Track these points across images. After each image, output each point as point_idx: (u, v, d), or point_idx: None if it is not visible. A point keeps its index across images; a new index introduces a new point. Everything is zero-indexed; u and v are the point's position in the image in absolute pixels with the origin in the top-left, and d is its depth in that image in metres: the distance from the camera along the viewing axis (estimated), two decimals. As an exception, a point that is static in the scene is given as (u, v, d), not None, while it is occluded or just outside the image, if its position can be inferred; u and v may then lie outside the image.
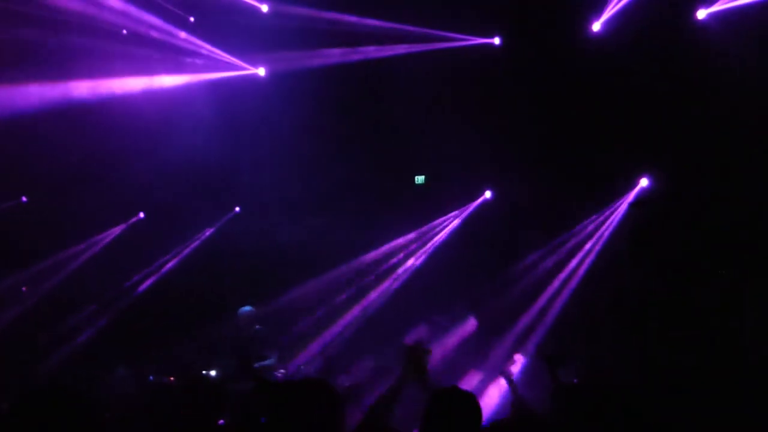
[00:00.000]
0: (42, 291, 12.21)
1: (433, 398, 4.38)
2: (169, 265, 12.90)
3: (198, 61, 11.76)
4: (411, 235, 12.45)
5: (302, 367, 10.46)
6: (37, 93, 10.63)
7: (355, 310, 12.08)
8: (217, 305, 11.26)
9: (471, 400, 4.38)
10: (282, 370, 10.14)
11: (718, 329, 9.72)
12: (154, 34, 11.31)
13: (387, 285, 12.21)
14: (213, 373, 9.64)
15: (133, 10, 10.93)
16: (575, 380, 8.50)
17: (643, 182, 11.24)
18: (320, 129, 11.85)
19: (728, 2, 9.77)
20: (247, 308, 10.02)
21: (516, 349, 10.30)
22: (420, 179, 12.63)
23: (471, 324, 10.99)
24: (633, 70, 10.50)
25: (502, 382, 8.88)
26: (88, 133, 11.26)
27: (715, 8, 9.88)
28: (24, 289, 12.27)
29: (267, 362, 9.68)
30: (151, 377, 9.47)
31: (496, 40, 11.42)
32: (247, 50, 11.82)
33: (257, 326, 9.98)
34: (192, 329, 10.59)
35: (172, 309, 11.98)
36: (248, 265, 12.14)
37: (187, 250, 13.01)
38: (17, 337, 11.27)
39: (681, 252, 10.41)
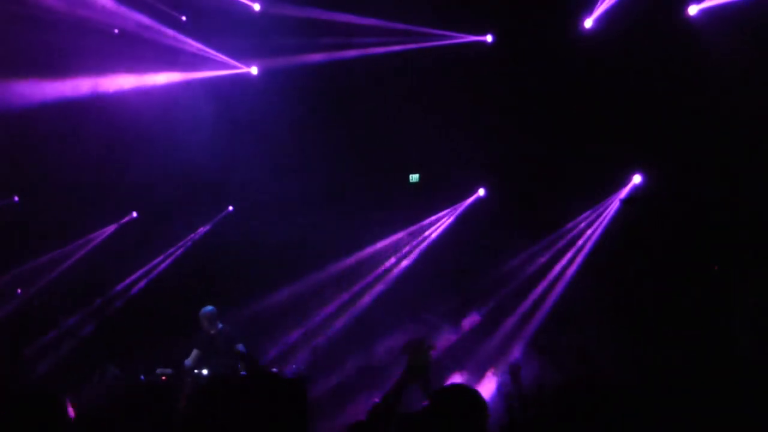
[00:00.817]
0: (33, 290, 12.18)
1: (436, 396, 4.29)
2: (162, 264, 12.87)
3: (190, 60, 11.74)
4: (404, 233, 12.44)
5: (294, 366, 10.44)
6: (29, 92, 10.63)
7: (347, 308, 12.07)
8: (210, 304, 11.24)
9: (476, 397, 4.29)
10: (275, 369, 10.13)
11: (712, 326, 9.72)
12: (146, 33, 11.30)
13: (379, 283, 12.20)
14: (205, 372, 9.64)
15: (124, 9, 10.92)
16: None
17: (636, 179, 11.24)
18: (312, 127, 11.85)
19: (719, -2, 9.76)
20: (209, 308, 10.11)
21: (507, 347, 10.31)
22: (414, 177, 12.61)
23: (473, 319, 10.96)
24: (625, 66, 10.50)
25: (489, 383, 8.91)
26: (79, 132, 11.24)
27: (706, 4, 9.87)
28: (19, 291, 12.24)
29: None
30: (142, 377, 9.46)
31: (489, 38, 11.40)
32: (239, 49, 11.80)
33: (220, 324, 10.06)
34: (184, 328, 10.56)
35: (164, 308, 11.95)
36: (241, 263, 12.13)
37: (179, 249, 12.98)
38: (7, 336, 11.27)
39: (673, 248, 10.41)
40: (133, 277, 12.66)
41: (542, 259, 11.48)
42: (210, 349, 9.88)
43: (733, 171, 10.03)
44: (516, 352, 9.48)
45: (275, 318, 11.76)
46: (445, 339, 10.64)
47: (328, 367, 10.30)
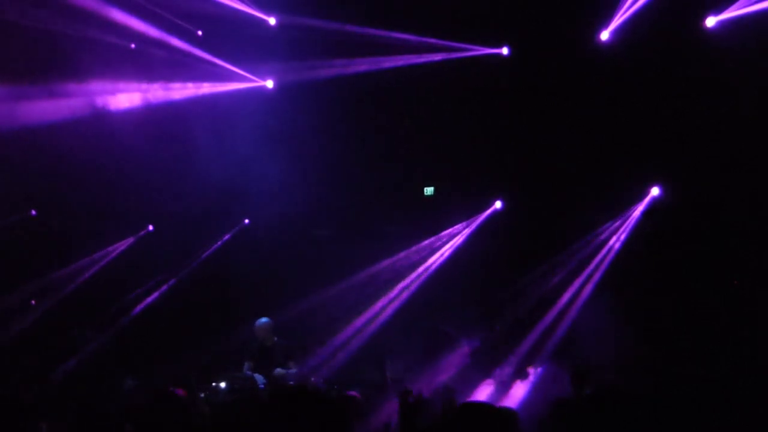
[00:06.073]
0: (51, 303, 12.20)
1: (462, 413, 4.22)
2: (178, 276, 12.85)
3: (206, 75, 11.79)
4: (421, 246, 12.39)
5: (312, 379, 10.41)
6: (47, 107, 10.70)
7: (366, 321, 12.02)
8: (226, 317, 11.23)
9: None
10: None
11: (735, 337, 9.67)
12: (163, 48, 11.36)
13: (397, 296, 12.15)
14: (222, 384, 9.61)
15: (141, 24, 10.99)
16: (588, 391, 8.43)
17: (654, 191, 11.20)
18: (328, 140, 11.86)
19: (737, 10, 9.74)
20: (264, 319, 10.06)
21: (530, 358, 10.26)
22: (429, 190, 12.60)
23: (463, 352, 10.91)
24: (642, 78, 10.49)
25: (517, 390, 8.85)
26: (95, 146, 11.28)
27: (724, 16, 9.85)
28: (33, 302, 12.26)
29: (291, 371, 9.74)
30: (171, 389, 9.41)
31: (505, 50, 11.41)
32: (255, 63, 11.84)
33: (275, 338, 9.99)
34: (201, 341, 10.57)
35: (180, 320, 11.95)
36: (257, 277, 12.10)
37: (195, 262, 12.96)
38: (27, 349, 11.29)
39: (694, 260, 10.37)
40: (150, 290, 12.66)
41: (562, 272, 11.41)
42: (265, 361, 9.82)
43: (757, 182, 9.99)
44: (538, 364, 9.44)
45: (291, 330, 11.71)
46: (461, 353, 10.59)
47: (346, 381, 10.24)
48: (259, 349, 9.94)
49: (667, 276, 10.55)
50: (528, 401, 9.02)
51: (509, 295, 11.41)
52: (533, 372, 9.65)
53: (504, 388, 9.68)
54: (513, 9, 10.88)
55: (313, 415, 3.99)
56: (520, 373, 9.95)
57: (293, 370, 9.73)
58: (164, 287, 12.74)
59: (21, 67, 10.46)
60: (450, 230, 12.41)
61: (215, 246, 13.05)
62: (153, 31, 11.15)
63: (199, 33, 11.67)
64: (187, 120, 11.81)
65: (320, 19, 11.19)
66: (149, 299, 12.66)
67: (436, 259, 12.35)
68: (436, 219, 12.35)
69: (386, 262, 12.31)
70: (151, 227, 13.10)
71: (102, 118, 11.23)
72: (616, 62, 10.54)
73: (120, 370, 10.12)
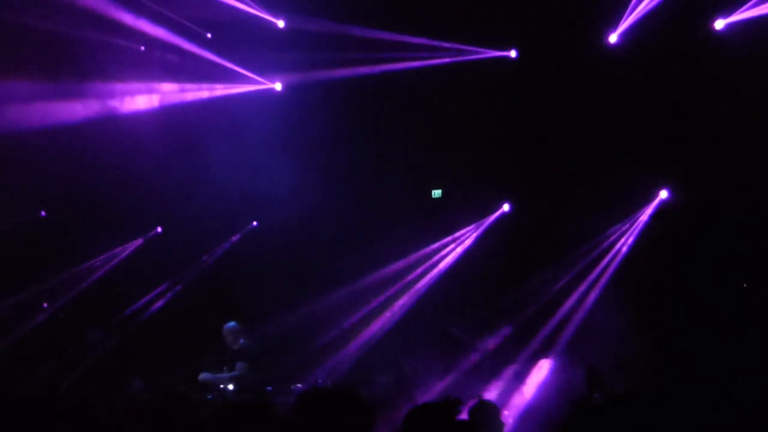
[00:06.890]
0: (60, 304, 12.24)
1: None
2: (187, 278, 12.87)
3: (214, 77, 11.83)
4: (429, 249, 12.39)
5: (320, 380, 10.43)
6: (55, 109, 10.75)
7: (373, 324, 12.03)
8: (233, 319, 11.23)
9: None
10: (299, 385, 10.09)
11: (742, 339, 9.65)
12: (172, 50, 11.40)
13: (405, 298, 12.15)
14: (231, 386, 9.66)
15: (150, 26, 11.03)
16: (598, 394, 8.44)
17: (663, 194, 11.18)
18: (336, 142, 11.88)
19: (745, 12, 9.73)
20: (231, 323, 10.16)
21: (537, 358, 10.26)
22: (437, 193, 12.59)
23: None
24: (650, 80, 10.48)
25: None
26: (104, 148, 11.33)
27: (733, 18, 9.84)
28: (45, 305, 12.31)
29: (222, 375, 9.82)
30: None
31: (513, 53, 11.41)
32: (263, 65, 11.87)
33: (242, 340, 10.10)
34: (208, 342, 10.59)
35: (188, 322, 11.98)
36: (264, 278, 12.11)
37: (204, 264, 12.98)
38: (35, 350, 11.34)
39: (703, 262, 10.36)
40: (158, 291, 12.69)
41: (570, 275, 11.40)
42: (231, 364, 9.95)
43: (761, 185, 9.96)
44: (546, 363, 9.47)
45: (299, 333, 11.75)
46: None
47: (355, 382, 10.24)
48: (227, 352, 10.09)
49: (676, 278, 10.53)
50: (541, 396, 9.05)
51: (518, 298, 11.40)
52: (546, 364, 9.67)
53: (512, 387, 9.69)
54: (521, 12, 10.87)
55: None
56: (530, 369, 9.98)
57: (233, 373, 9.80)
58: (170, 288, 12.77)
59: (32, 69, 10.51)
60: (458, 233, 12.41)
61: (223, 248, 13.08)
62: (162, 34, 11.19)
63: (209, 35, 11.71)
64: (195, 122, 11.85)
65: (329, 21, 11.21)
66: (157, 300, 12.69)
67: (444, 262, 12.34)
68: (444, 221, 12.34)
69: (394, 265, 12.31)
70: (159, 229, 13.14)
71: (111, 120, 11.27)
72: (625, 65, 10.54)
73: (128, 371, 10.14)
